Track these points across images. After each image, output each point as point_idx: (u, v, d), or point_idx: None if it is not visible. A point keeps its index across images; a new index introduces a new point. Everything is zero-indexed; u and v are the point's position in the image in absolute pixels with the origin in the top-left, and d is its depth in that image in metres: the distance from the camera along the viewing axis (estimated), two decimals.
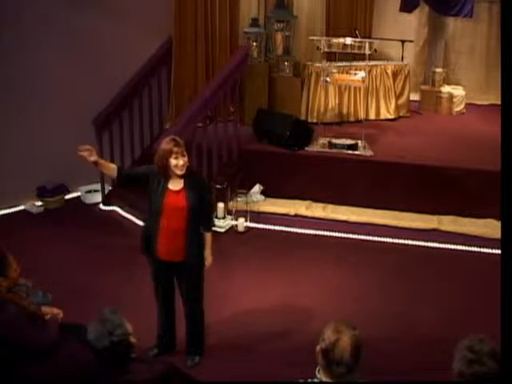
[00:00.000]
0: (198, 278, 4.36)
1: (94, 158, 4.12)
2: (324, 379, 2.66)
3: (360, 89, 8.11)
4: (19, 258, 3.73)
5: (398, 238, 6.51)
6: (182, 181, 4.16)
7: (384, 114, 8.57)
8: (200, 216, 4.22)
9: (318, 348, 2.66)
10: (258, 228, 6.79)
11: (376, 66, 8.47)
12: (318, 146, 7.28)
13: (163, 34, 7.82)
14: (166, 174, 4.13)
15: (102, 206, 7.40)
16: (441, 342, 4.59)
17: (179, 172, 4.09)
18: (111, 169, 4.27)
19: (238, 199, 6.95)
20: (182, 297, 4.43)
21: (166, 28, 7.80)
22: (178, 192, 4.16)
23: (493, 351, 2.59)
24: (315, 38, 7.77)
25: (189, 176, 4.18)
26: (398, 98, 8.64)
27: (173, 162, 4.07)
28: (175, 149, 4.05)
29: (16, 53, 6.84)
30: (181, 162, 4.06)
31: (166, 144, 4.12)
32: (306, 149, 7.24)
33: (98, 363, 2.97)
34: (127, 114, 7.61)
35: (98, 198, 7.44)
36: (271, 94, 8.05)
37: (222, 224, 6.68)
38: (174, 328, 4.60)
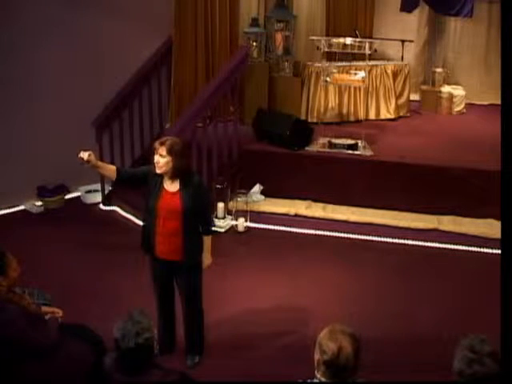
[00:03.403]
0: (196, 277, 4.36)
1: (91, 163, 4.15)
2: (324, 380, 2.67)
3: (360, 89, 8.11)
4: (19, 257, 3.73)
5: (398, 238, 6.51)
6: (178, 182, 4.17)
7: (384, 114, 8.57)
8: (197, 217, 4.21)
9: (319, 359, 2.65)
10: (258, 228, 6.79)
11: (376, 66, 8.47)
12: (318, 145, 7.28)
13: (163, 33, 7.82)
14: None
15: (101, 206, 7.40)
16: (441, 342, 4.60)
17: (157, 170, 4.12)
18: (110, 170, 4.30)
19: (238, 199, 6.95)
20: (180, 296, 4.43)
21: (166, 28, 7.80)
22: (173, 194, 4.16)
23: (493, 351, 2.59)
24: (315, 37, 7.77)
25: (186, 178, 4.19)
26: (398, 98, 8.64)
27: (154, 158, 4.13)
28: (156, 145, 4.11)
29: (16, 52, 6.83)
30: (156, 158, 4.10)
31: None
32: (306, 149, 7.24)
33: (115, 361, 2.96)
34: (127, 114, 7.62)
35: (98, 198, 7.44)
36: (271, 94, 8.05)
37: (221, 224, 6.69)
38: (173, 327, 4.60)
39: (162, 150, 4.07)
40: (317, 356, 2.68)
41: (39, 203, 7.27)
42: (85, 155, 4.12)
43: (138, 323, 2.92)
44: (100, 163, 4.31)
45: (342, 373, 2.62)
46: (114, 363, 2.97)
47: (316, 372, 2.70)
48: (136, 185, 4.46)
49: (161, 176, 4.17)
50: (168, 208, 4.15)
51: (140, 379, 2.92)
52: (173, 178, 4.16)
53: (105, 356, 3.09)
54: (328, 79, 7.62)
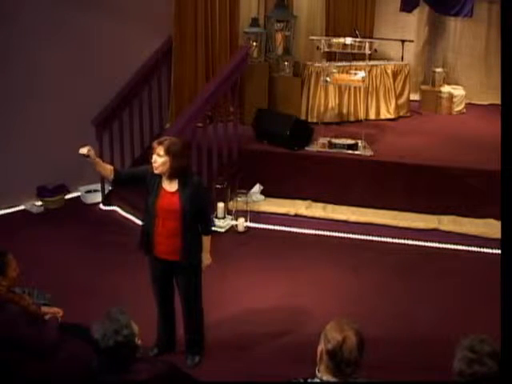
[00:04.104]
0: (196, 277, 4.37)
1: (91, 158, 4.16)
2: (325, 378, 2.66)
3: (360, 89, 8.10)
4: (19, 257, 3.73)
5: (398, 238, 6.51)
6: (176, 182, 4.17)
7: (384, 114, 8.57)
8: (196, 217, 4.21)
9: (322, 350, 2.65)
10: (258, 228, 6.79)
11: (376, 65, 8.46)
12: (318, 145, 7.28)
13: (163, 33, 7.82)
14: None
15: (101, 206, 7.39)
16: (441, 342, 4.59)
17: (154, 170, 4.13)
18: (107, 170, 4.30)
19: (238, 199, 6.95)
20: (180, 296, 4.43)
21: (166, 28, 7.80)
22: (172, 193, 4.17)
23: (493, 351, 2.59)
24: (315, 37, 7.77)
25: (184, 178, 4.19)
26: (397, 97, 8.64)
27: (152, 157, 4.13)
28: (154, 145, 4.12)
29: (16, 53, 6.84)
30: (153, 158, 4.10)
31: None
32: (306, 149, 7.24)
33: (100, 362, 2.97)
34: (127, 114, 7.62)
35: (98, 197, 7.44)
36: (271, 94, 8.05)
37: (222, 224, 6.69)
38: (173, 328, 4.61)
39: (160, 150, 4.07)
40: (320, 347, 2.66)
41: (39, 203, 7.27)
42: (84, 150, 4.12)
43: (115, 321, 2.93)
44: (98, 160, 4.29)
45: (343, 366, 2.60)
46: (98, 364, 2.97)
47: (317, 371, 2.69)
48: (134, 185, 4.46)
49: (159, 176, 4.17)
50: (167, 208, 4.15)
51: (127, 376, 2.92)
52: (171, 178, 4.16)
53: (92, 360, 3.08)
54: (328, 79, 7.62)
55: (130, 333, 2.93)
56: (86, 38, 7.15)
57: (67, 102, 7.16)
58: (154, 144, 4.14)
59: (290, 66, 8.22)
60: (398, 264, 6.03)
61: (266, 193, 7.12)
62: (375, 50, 7.55)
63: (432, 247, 6.41)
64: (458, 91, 9.23)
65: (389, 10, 9.45)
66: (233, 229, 6.75)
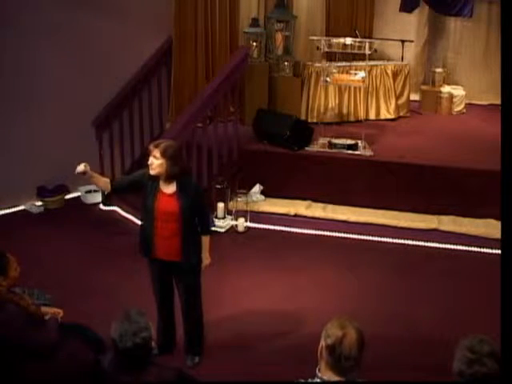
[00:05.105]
0: (195, 278, 4.37)
1: (87, 174, 4.19)
2: (326, 377, 2.66)
3: (360, 89, 8.11)
4: (19, 257, 3.73)
5: (398, 238, 6.51)
6: (174, 184, 4.18)
7: (384, 114, 8.57)
8: (195, 218, 4.22)
9: (323, 345, 2.64)
10: (258, 228, 6.79)
11: (376, 66, 8.47)
12: (318, 145, 7.28)
13: (163, 33, 7.83)
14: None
15: (101, 206, 7.40)
16: (440, 342, 4.60)
17: (150, 171, 4.14)
18: (104, 182, 4.32)
19: (238, 199, 6.95)
20: (180, 297, 4.44)
21: (166, 28, 7.80)
22: (170, 195, 4.17)
23: (493, 351, 2.59)
24: (315, 37, 7.77)
25: (182, 180, 4.19)
26: (398, 98, 8.64)
27: (149, 159, 4.14)
28: (151, 147, 4.15)
29: (16, 53, 6.84)
30: (150, 160, 4.12)
31: None
32: (306, 149, 7.24)
33: (113, 361, 2.97)
34: (127, 114, 7.62)
35: (98, 198, 7.45)
36: (271, 93, 8.05)
37: (221, 224, 6.69)
38: (173, 328, 4.61)
39: (156, 153, 4.09)
40: (321, 343, 2.66)
41: (39, 203, 7.27)
42: (81, 168, 4.15)
43: (135, 323, 2.93)
44: (95, 174, 4.32)
45: (343, 361, 2.59)
46: (112, 363, 2.98)
47: (317, 370, 2.69)
48: (133, 191, 4.49)
49: (157, 178, 4.18)
50: (165, 210, 4.16)
51: (138, 378, 2.93)
52: (168, 180, 4.17)
53: (103, 356, 3.09)
54: (328, 79, 7.62)
55: (147, 335, 2.93)
56: (86, 38, 7.15)
57: (67, 101, 7.16)
58: (150, 146, 4.16)
59: (289, 66, 8.21)
60: (398, 264, 6.03)
61: (266, 193, 7.12)
62: (375, 50, 7.55)
63: (432, 247, 6.41)
64: (458, 91, 9.23)
65: (389, 10, 9.46)
66: (233, 229, 6.75)
